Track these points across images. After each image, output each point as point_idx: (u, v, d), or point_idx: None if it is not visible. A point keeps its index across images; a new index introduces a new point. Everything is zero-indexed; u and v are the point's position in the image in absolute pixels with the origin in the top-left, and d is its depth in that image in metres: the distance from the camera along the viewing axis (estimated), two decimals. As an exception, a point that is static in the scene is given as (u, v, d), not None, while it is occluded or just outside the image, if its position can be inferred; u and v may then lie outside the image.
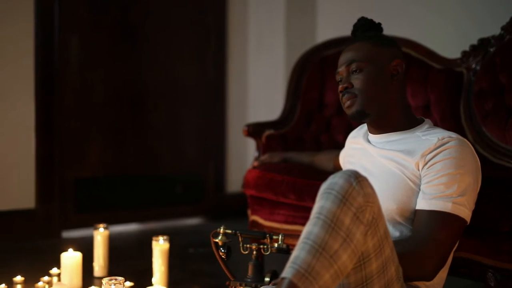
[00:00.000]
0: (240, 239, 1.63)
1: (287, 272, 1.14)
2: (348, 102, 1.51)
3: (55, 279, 2.17)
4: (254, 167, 2.36)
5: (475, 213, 1.43)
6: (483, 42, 2.13)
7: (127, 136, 3.42)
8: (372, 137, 1.58)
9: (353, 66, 1.51)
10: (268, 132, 2.53)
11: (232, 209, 3.58)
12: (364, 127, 1.65)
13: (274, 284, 1.38)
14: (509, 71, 2.01)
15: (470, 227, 1.46)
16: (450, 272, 1.53)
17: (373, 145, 1.56)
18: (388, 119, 1.52)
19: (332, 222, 1.16)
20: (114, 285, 1.61)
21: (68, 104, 3.19)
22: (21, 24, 3.01)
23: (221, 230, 1.63)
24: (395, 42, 1.57)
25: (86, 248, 2.35)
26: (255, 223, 2.34)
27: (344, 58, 1.55)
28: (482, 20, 2.68)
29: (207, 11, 3.70)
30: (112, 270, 2.31)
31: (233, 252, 1.65)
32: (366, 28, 1.58)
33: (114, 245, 2.56)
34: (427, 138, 1.45)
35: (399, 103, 1.53)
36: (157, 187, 3.57)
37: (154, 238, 2.15)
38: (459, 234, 1.39)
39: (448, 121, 2.14)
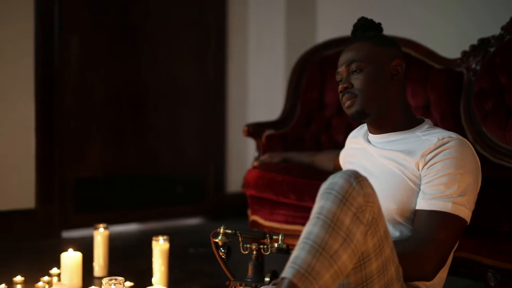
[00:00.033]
0: (240, 239, 1.63)
1: (287, 272, 1.14)
2: (348, 102, 1.51)
3: (55, 279, 2.17)
4: (254, 167, 2.36)
5: (475, 213, 1.43)
6: (483, 42, 2.13)
7: (127, 136, 3.42)
8: (372, 137, 1.58)
9: (353, 66, 1.51)
10: (268, 132, 2.53)
11: (232, 209, 3.58)
12: (364, 127, 1.65)
13: (274, 284, 1.38)
14: (509, 71, 2.01)
15: (470, 227, 1.46)
16: (450, 272, 1.53)
17: (373, 145, 1.56)
18: (388, 119, 1.52)
19: (332, 222, 1.16)
20: (114, 285, 1.61)
21: (68, 104, 3.19)
22: (21, 24, 3.01)
23: (221, 230, 1.63)
24: (395, 42, 1.57)
25: (86, 248, 2.35)
26: (255, 223, 2.34)
27: (344, 58, 1.55)
28: (482, 20, 2.68)
29: (207, 11, 3.70)
30: (112, 270, 2.31)
31: (233, 252, 1.65)
32: (366, 28, 1.58)
33: (114, 245, 2.56)
34: (427, 138, 1.45)
35: (399, 103, 1.53)
36: (157, 187, 3.57)
37: (154, 238, 2.15)
38: (459, 234, 1.39)
39: (448, 121, 2.14)
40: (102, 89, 3.33)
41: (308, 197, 2.04)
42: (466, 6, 2.81)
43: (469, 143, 1.44)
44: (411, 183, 1.42)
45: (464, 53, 2.18)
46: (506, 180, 1.83)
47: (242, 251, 1.64)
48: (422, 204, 1.39)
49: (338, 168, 1.95)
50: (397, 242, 1.35)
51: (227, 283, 1.65)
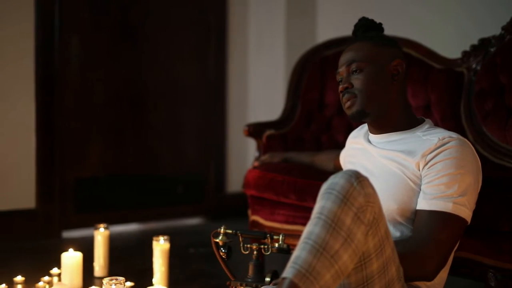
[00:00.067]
0: (240, 239, 1.63)
1: (288, 272, 1.14)
2: (348, 103, 1.51)
3: (55, 279, 2.17)
4: (254, 167, 2.36)
5: (475, 213, 1.43)
6: (484, 42, 2.13)
7: (127, 136, 3.42)
8: (372, 137, 1.58)
9: (354, 66, 1.51)
10: (268, 132, 2.53)
11: (233, 209, 3.58)
12: (364, 127, 1.65)
13: (274, 284, 1.38)
14: (509, 71, 2.01)
15: (470, 227, 1.46)
16: (451, 272, 1.53)
17: (373, 145, 1.56)
18: (389, 119, 1.52)
19: (333, 222, 1.16)
20: (115, 285, 1.61)
21: (69, 105, 3.19)
22: (22, 25, 3.01)
23: (222, 230, 1.63)
24: (396, 42, 1.57)
25: (86, 248, 2.35)
26: (255, 223, 2.34)
27: (344, 58, 1.55)
28: (482, 20, 2.68)
29: (207, 11, 3.70)
30: (113, 270, 2.31)
31: (233, 252, 1.64)
32: (367, 28, 1.58)
33: (115, 245, 2.56)
34: (428, 138, 1.45)
35: (399, 103, 1.53)
36: (157, 187, 3.57)
37: (154, 238, 2.15)
38: (460, 234, 1.39)
39: (448, 121, 2.14)
40: (102, 89, 3.33)
41: (308, 197, 2.04)
42: (466, 6, 2.81)
43: (469, 143, 1.44)
44: (411, 183, 1.42)
45: (465, 53, 2.18)
46: (506, 180, 1.83)
47: (243, 251, 1.64)
48: (423, 204, 1.39)
49: (338, 168, 1.95)
50: (398, 242, 1.35)
51: (228, 283, 1.65)
